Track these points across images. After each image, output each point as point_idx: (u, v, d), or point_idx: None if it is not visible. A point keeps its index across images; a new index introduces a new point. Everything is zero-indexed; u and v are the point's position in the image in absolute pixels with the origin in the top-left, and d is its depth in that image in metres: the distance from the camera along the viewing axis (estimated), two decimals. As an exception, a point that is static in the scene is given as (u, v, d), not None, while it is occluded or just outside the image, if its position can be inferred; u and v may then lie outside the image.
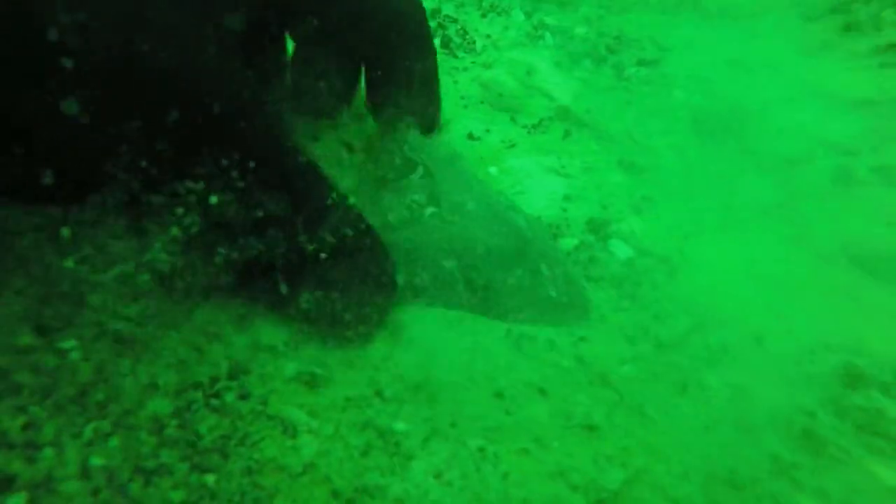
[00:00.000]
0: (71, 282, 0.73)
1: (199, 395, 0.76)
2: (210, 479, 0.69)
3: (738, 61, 1.72)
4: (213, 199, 0.73)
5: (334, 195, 0.83)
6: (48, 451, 0.65)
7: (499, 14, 1.82)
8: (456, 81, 1.59)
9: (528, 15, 1.82)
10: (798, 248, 1.33)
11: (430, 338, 0.94)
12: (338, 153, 1.25)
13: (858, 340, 1.17)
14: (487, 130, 1.44)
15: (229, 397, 0.78)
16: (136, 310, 0.77)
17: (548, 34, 1.74)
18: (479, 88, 1.56)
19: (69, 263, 0.71)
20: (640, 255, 1.22)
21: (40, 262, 0.74)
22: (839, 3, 1.74)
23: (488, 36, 1.73)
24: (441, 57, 1.69)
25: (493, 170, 1.33)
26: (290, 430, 0.76)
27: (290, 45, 1.16)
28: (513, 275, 1.02)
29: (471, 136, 1.41)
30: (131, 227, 0.73)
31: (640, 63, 1.69)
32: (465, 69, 1.63)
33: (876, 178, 1.45)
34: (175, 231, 0.72)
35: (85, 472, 0.65)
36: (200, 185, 0.72)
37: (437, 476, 0.76)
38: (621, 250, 1.21)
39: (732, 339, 1.15)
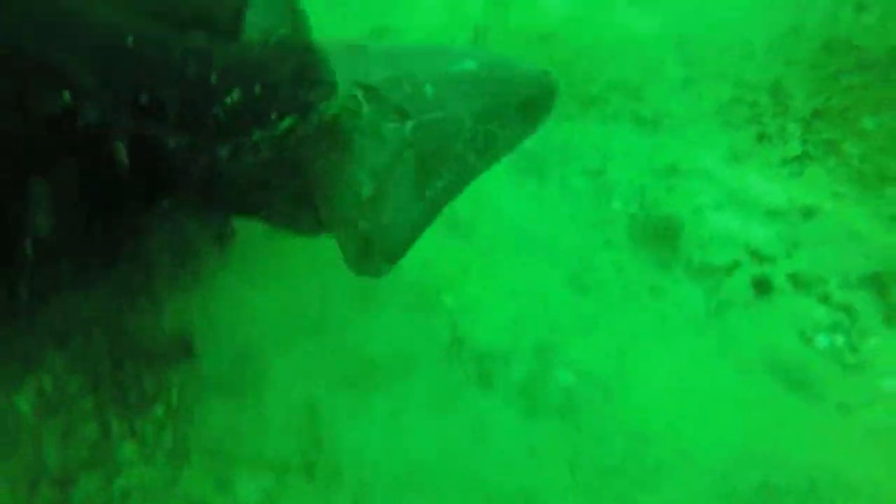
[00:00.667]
0: None
1: None
2: None
3: (672, 168, 1.90)
4: None
5: None
6: None
7: (453, 127, 1.97)
8: (414, 201, 1.73)
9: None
10: (723, 360, 1.49)
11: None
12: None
13: (777, 451, 1.33)
14: (440, 254, 1.58)
15: None
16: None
17: (498, 148, 1.89)
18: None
19: None
20: (582, 379, 1.36)
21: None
22: (754, 114, 1.94)
23: (443, 152, 1.88)
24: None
25: (448, 299, 1.46)
26: None
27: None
28: None
29: (426, 264, 1.55)
30: None
31: (584, 173, 1.86)
32: (423, 188, 1.77)
33: (790, 286, 1.63)
34: None
35: None
36: None
37: None
38: (565, 376, 1.35)
39: (665, 457, 1.29)
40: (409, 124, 0.93)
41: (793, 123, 1.89)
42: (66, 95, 0.74)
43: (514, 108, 1.04)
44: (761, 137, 1.92)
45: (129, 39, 0.77)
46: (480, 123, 1.00)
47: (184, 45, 0.81)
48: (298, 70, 0.88)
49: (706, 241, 1.74)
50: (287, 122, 0.86)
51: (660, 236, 1.73)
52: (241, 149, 0.86)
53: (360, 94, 0.93)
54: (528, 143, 1.93)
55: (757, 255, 1.70)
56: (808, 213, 1.73)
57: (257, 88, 0.84)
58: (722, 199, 1.84)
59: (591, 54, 2.10)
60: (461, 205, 1.75)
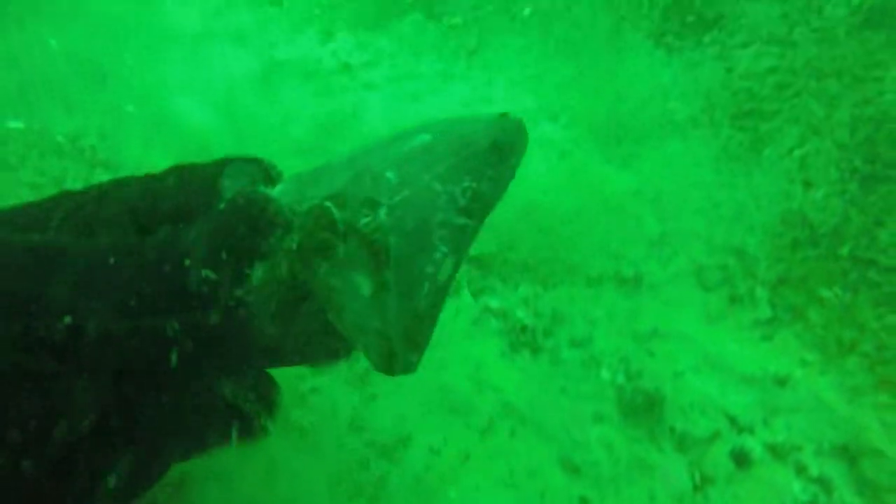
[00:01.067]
0: None
1: None
2: None
3: (653, 332, 2.06)
4: None
5: None
6: None
7: (450, 295, 2.14)
8: (416, 382, 1.87)
9: (475, 296, 2.14)
10: (709, 541, 1.60)
11: None
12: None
13: None
14: (445, 440, 1.71)
15: None
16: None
17: (493, 319, 2.06)
18: (437, 392, 1.84)
19: None
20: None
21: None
22: (725, 276, 2.13)
23: (441, 325, 2.04)
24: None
25: (452, 493, 1.58)
26: None
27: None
28: None
29: (432, 451, 1.68)
30: None
31: (573, 343, 2.02)
32: (424, 366, 1.92)
33: (768, 457, 1.76)
34: None
35: None
36: None
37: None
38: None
39: None
40: (382, 211, 0.92)
41: (761, 288, 2.07)
42: (67, 319, 0.84)
43: (481, 157, 1.00)
44: (733, 300, 2.09)
45: (110, 258, 0.90)
46: (451, 185, 0.97)
47: (155, 243, 0.93)
48: (254, 222, 0.91)
49: (688, 409, 1.87)
50: (259, 272, 0.91)
51: (645, 407, 1.87)
52: (230, 309, 0.90)
53: (329, 203, 0.93)
54: (521, 316, 2.11)
55: (735, 424, 1.83)
56: (781, 381, 1.87)
57: (223, 254, 0.90)
58: (700, 363, 1.99)
59: (575, 220, 2.30)
60: (460, 384, 1.90)
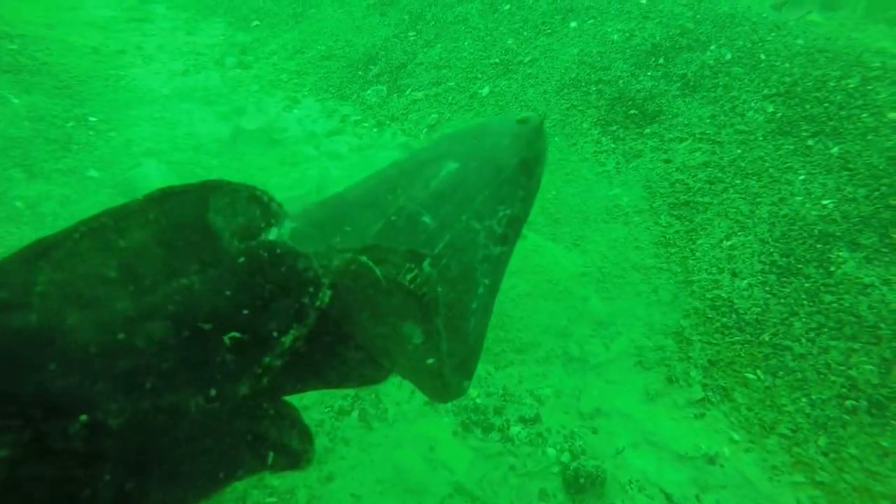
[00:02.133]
0: None
1: None
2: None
3: (596, 410, 2.20)
4: None
5: None
6: None
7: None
8: (373, 461, 1.95)
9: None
10: None
11: None
12: None
13: None
14: (399, 523, 1.78)
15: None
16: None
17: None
18: (392, 471, 1.91)
19: None
20: None
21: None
22: (662, 357, 2.31)
23: (398, 404, 2.13)
24: (360, 431, 2.07)
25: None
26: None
27: None
28: None
29: (386, 535, 1.74)
30: None
31: (522, 421, 2.13)
32: (380, 445, 2.00)
33: (700, 534, 1.90)
34: None
35: None
36: None
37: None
38: None
39: None
40: (426, 263, 0.88)
41: (694, 370, 2.25)
42: (83, 417, 0.72)
43: (513, 181, 0.99)
44: (670, 380, 2.26)
45: (116, 333, 0.77)
46: (488, 219, 0.96)
47: (161, 305, 0.80)
48: (283, 280, 0.81)
49: (628, 487, 2.00)
50: (290, 338, 0.81)
51: (588, 485, 1.98)
52: (257, 378, 0.81)
53: (366, 258, 0.87)
54: (473, 395, 2.22)
55: (671, 501, 1.97)
56: (711, 459, 2.03)
57: (246, 313, 0.80)
58: (639, 440, 2.14)
59: (526, 302, 2.46)
60: (414, 463, 1.98)
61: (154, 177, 3.03)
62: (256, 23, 4.94)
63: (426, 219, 0.94)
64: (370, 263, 0.88)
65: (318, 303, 0.83)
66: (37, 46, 4.01)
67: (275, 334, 0.82)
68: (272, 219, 0.89)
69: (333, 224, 0.95)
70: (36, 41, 4.08)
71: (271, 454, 0.96)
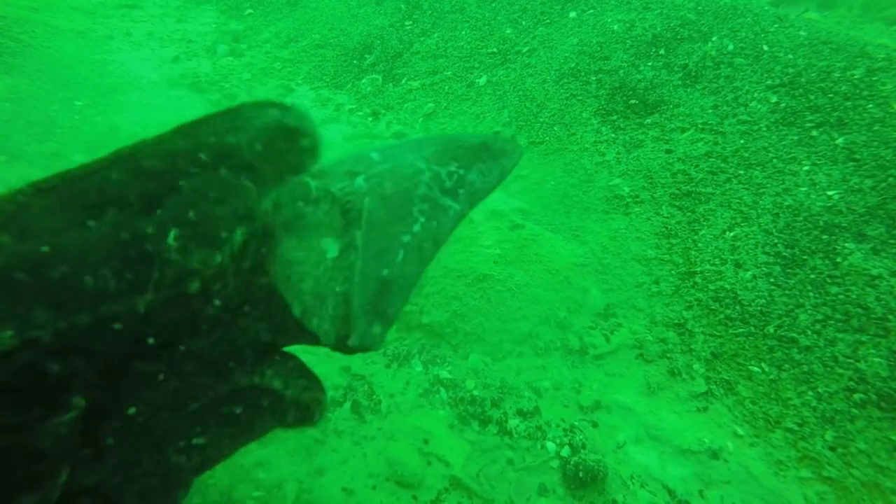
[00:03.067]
0: None
1: None
2: None
3: (596, 404, 2.13)
4: None
5: None
6: None
7: (400, 365, 2.16)
8: (365, 454, 1.86)
9: (426, 366, 2.17)
10: None
11: None
12: None
13: None
14: (393, 518, 1.70)
15: None
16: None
17: (442, 390, 2.08)
18: (385, 465, 1.83)
19: None
20: None
21: None
22: (664, 350, 2.25)
23: (391, 395, 2.05)
24: (352, 423, 1.99)
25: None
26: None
27: None
28: None
29: (379, 530, 1.66)
30: None
31: (520, 414, 2.06)
32: (373, 437, 1.92)
33: (704, 531, 1.84)
34: None
35: None
36: None
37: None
38: None
39: None
40: (360, 177, 0.84)
41: (697, 362, 2.19)
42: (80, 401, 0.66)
43: (470, 150, 0.95)
44: (672, 373, 2.20)
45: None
46: (436, 165, 0.91)
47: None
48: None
49: (629, 482, 1.93)
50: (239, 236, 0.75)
51: (589, 480, 1.91)
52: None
53: (307, 178, 0.82)
54: (470, 387, 2.14)
55: (674, 497, 1.91)
56: (714, 453, 1.97)
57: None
58: (640, 435, 2.07)
59: (524, 290, 2.39)
60: (409, 456, 1.90)
61: (141, 162, 2.93)
62: (249, 11, 4.84)
63: (373, 155, 0.90)
64: (307, 178, 0.82)
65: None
66: (20, 28, 3.90)
67: (223, 234, 0.73)
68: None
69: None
70: (18, 23, 3.96)
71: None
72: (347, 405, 2.01)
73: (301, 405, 0.90)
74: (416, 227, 0.87)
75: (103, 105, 3.42)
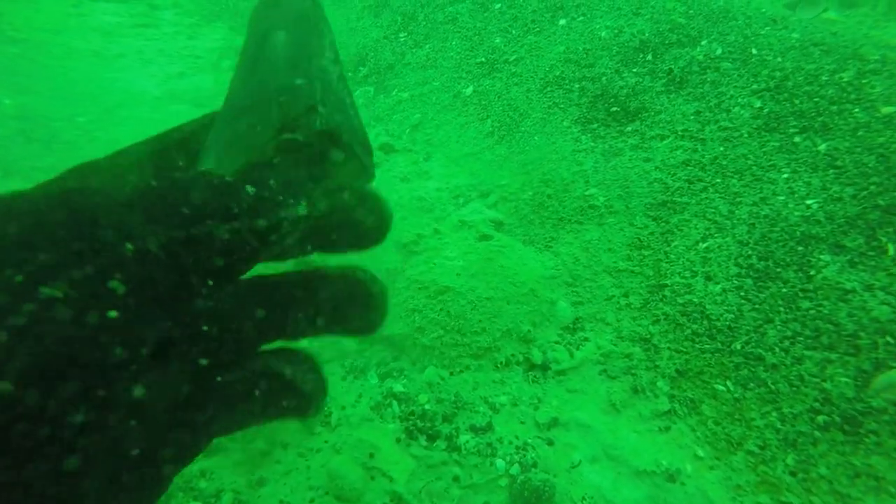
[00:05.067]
0: None
1: None
2: None
3: (554, 421, 2.07)
4: None
5: None
6: None
7: (356, 377, 2.16)
8: (309, 467, 1.86)
9: (381, 379, 2.16)
10: None
11: None
12: None
13: None
14: (326, 533, 1.69)
15: None
16: None
17: (395, 403, 2.07)
18: (326, 479, 1.83)
19: None
20: None
21: None
22: (629, 366, 2.17)
23: (343, 407, 2.05)
24: (299, 435, 1.99)
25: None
26: None
27: None
28: None
29: (309, 544, 1.65)
30: None
31: (472, 430, 2.02)
32: (319, 450, 1.92)
33: (652, 557, 1.76)
34: None
35: None
36: None
37: None
38: None
39: None
40: (318, 107, 0.92)
41: (662, 380, 2.11)
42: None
43: (317, 18, 1.10)
44: (636, 390, 2.12)
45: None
46: (329, 52, 1.02)
47: None
48: None
49: (578, 503, 1.87)
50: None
51: (533, 500, 1.86)
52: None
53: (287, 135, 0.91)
54: (423, 401, 2.12)
55: (625, 521, 1.83)
56: (672, 476, 1.88)
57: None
58: (598, 454, 2.00)
59: (485, 306, 2.35)
60: (352, 470, 1.89)
61: (131, 176, 3.04)
62: (256, 27, 4.97)
63: (298, 81, 0.97)
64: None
65: None
66: (38, 51, 4.11)
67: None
68: None
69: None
70: (39, 45, 4.18)
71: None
72: (296, 417, 2.02)
73: (303, 394, 0.96)
74: (348, 100, 0.94)
75: (105, 121, 3.56)
